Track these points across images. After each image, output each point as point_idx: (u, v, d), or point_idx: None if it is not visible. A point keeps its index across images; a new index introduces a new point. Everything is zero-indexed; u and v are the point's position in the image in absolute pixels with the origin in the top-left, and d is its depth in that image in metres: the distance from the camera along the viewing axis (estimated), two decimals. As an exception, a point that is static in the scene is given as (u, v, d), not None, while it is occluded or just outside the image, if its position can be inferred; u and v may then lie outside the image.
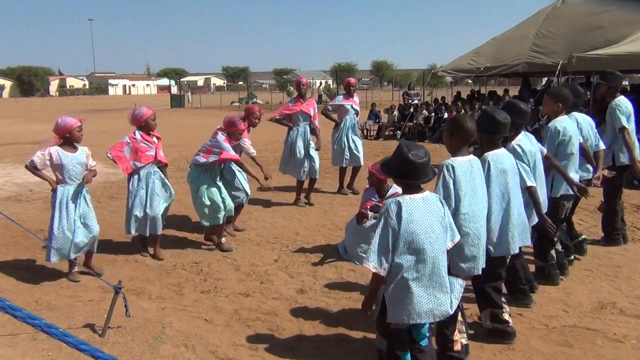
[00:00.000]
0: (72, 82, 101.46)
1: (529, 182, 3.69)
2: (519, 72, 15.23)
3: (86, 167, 4.83)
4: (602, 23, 12.96)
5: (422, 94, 20.47)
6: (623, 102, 5.41)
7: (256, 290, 4.63)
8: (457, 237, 2.93)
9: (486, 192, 3.30)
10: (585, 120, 4.96)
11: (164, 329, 3.90)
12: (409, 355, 2.85)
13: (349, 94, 8.42)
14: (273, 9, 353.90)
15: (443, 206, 2.85)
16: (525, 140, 3.94)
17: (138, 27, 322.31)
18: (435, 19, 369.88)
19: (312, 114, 7.60)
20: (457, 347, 3.22)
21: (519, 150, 3.83)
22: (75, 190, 4.73)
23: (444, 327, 3.15)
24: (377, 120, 17.79)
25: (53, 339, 1.70)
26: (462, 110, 14.40)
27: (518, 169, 3.62)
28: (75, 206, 4.73)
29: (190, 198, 5.77)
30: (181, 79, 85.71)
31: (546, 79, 18.11)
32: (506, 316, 3.59)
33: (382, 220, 2.73)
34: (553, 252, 4.58)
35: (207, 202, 5.51)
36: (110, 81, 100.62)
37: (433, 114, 16.23)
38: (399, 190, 2.93)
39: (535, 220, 4.00)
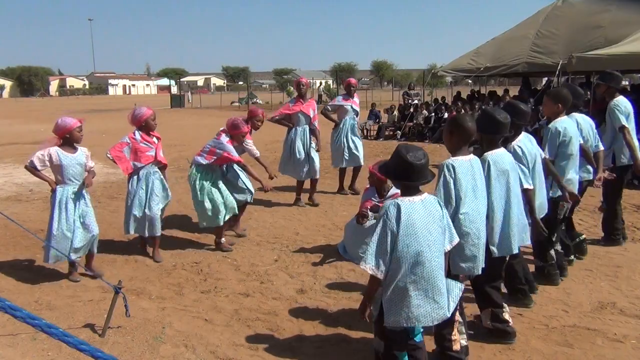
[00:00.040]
0: (72, 82, 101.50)
1: (526, 185, 3.69)
2: (519, 72, 15.24)
3: (85, 168, 4.83)
4: (602, 23, 12.97)
5: (422, 94, 20.47)
6: (622, 102, 5.41)
7: (256, 290, 4.63)
8: (456, 240, 2.93)
9: (486, 192, 3.30)
10: (585, 121, 4.97)
11: (164, 329, 3.90)
12: (406, 357, 2.86)
13: (349, 95, 8.42)
14: (273, 9, 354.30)
15: (441, 208, 2.84)
16: (526, 140, 3.94)
17: (138, 27, 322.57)
18: (435, 19, 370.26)
19: (311, 115, 7.60)
20: (456, 346, 3.22)
21: (519, 151, 3.83)
22: (75, 190, 4.73)
23: (442, 328, 3.15)
24: (377, 120, 17.79)
25: (53, 339, 1.70)
26: (462, 110, 14.39)
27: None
28: (75, 206, 4.72)
29: (191, 198, 5.77)
30: (181, 79, 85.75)
31: (546, 79, 18.11)
32: (506, 316, 3.60)
33: (381, 222, 2.72)
34: (553, 252, 4.58)
35: (208, 204, 5.51)
36: (110, 81, 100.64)
37: (433, 114, 16.23)
38: (399, 190, 2.93)
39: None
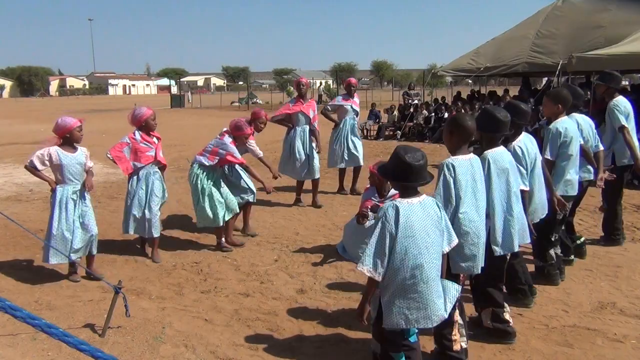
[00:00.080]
0: (72, 82, 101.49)
1: (522, 186, 3.69)
2: (519, 72, 15.25)
3: (85, 168, 4.83)
4: (602, 22, 12.97)
5: (422, 94, 20.47)
6: (621, 102, 5.41)
7: (256, 290, 4.63)
8: (455, 241, 2.92)
9: (486, 191, 3.30)
10: (585, 121, 4.97)
11: (164, 329, 3.90)
12: (403, 357, 2.85)
13: (349, 95, 8.41)
14: (273, 9, 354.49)
15: (440, 210, 2.84)
16: (526, 140, 3.94)
17: (138, 27, 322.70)
18: (435, 19, 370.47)
19: (311, 116, 7.59)
20: (457, 347, 3.22)
21: (519, 152, 3.83)
22: (75, 190, 4.73)
23: (442, 328, 3.15)
24: (377, 120, 17.79)
25: (53, 339, 1.70)
26: (462, 110, 14.40)
27: None
28: (75, 206, 4.72)
29: (191, 198, 5.77)
30: (181, 79, 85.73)
31: (546, 79, 18.11)
32: (507, 316, 3.59)
33: (379, 224, 2.71)
34: (552, 252, 4.58)
35: (207, 204, 5.49)
36: (110, 81, 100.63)
37: (433, 114, 16.23)
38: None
39: (535, 219, 4.00)
